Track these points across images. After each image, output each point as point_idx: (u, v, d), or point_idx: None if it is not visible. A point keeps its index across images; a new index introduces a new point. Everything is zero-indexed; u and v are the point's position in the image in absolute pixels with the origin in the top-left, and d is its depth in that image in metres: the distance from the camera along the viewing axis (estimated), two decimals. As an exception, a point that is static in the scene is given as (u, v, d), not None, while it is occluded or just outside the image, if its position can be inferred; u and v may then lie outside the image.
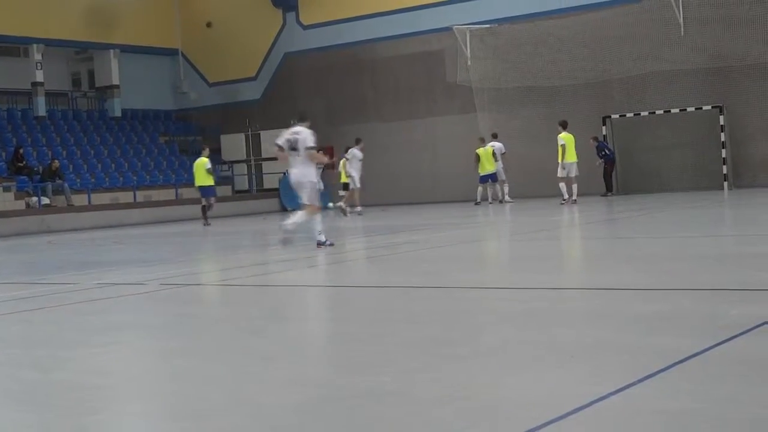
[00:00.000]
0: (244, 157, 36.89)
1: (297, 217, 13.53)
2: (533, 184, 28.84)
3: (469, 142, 30.66)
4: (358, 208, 25.75)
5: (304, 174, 13.48)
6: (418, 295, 8.29)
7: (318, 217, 13.56)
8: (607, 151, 27.44)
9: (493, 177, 27.35)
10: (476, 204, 27.24)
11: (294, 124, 13.79)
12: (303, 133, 13.50)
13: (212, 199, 25.31)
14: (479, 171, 27.35)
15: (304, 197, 13.55)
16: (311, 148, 13.42)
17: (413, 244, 14.19)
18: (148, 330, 7.31)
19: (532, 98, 29.26)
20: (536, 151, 28.70)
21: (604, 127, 28.69)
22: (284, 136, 13.62)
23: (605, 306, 7.03)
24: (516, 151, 28.61)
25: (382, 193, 32.14)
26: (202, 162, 25.00)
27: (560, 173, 24.50)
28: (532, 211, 22.18)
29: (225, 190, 35.26)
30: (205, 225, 24.41)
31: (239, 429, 4.10)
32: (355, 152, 26.21)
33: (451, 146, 31.82)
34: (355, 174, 25.92)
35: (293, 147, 13.45)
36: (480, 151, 27.29)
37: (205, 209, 25.11)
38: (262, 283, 10.30)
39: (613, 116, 28.73)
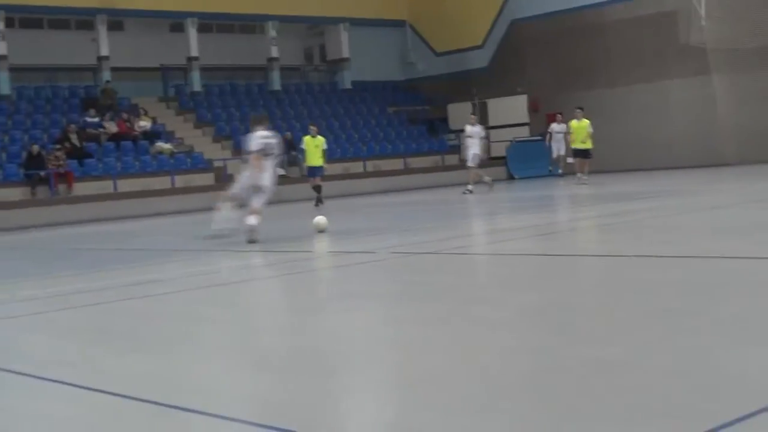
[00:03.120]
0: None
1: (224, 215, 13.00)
2: (767, 147, 27.44)
3: (704, 106, 29.51)
4: (470, 187, 24.24)
5: (271, 179, 12.95)
6: (652, 265, 8.07)
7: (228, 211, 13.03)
8: None
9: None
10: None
11: (256, 130, 13.20)
12: (276, 138, 13.13)
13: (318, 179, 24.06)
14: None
15: (260, 200, 12.86)
16: (252, 152, 12.86)
17: (649, 212, 13.80)
18: (379, 298, 7.48)
19: (772, 59, 27.68)
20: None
21: None
22: (257, 142, 12.97)
23: None
24: (756, 115, 27.22)
25: (610, 160, 31.37)
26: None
27: None
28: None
29: (453, 159, 35.48)
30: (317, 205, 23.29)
31: (467, 396, 4.15)
32: (472, 129, 25.00)
33: (684, 111, 30.66)
34: (471, 151, 24.73)
35: (267, 153, 12.94)
36: (574, 124, 25.28)
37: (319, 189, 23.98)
38: (490, 251, 10.33)
39: None
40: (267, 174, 12.96)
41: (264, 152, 12.96)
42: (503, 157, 34.32)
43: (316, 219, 13.70)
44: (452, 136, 36.73)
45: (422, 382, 4.49)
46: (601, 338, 5.08)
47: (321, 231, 13.40)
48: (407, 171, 33.04)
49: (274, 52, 35.89)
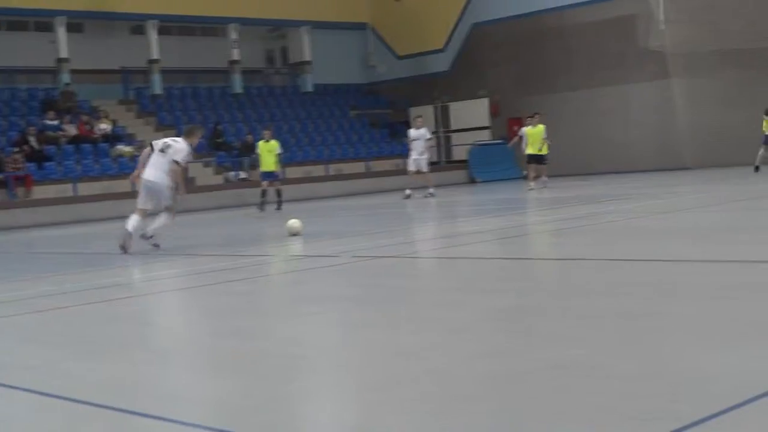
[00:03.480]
0: (433, 129, 37.03)
1: (160, 220, 13.05)
2: (725, 151, 27.73)
3: (663, 110, 29.84)
4: (431, 190, 24.13)
5: (162, 179, 12.89)
6: (613, 268, 8.14)
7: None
8: None
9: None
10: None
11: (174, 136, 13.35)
12: (179, 145, 13.04)
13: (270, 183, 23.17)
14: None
15: (162, 202, 12.95)
16: (177, 163, 12.89)
17: (608, 215, 13.91)
18: (341, 302, 7.48)
19: (730, 62, 28.00)
20: (732, 117, 27.53)
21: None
22: (161, 140, 13.23)
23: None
24: (712, 118, 27.56)
25: (570, 163, 31.63)
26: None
27: None
28: (729, 179, 21.31)
29: (414, 162, 35.59)
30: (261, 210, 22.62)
31: (428, 398, 4.16)
32: (417, 132, 24.70)
33: (644, 114, 30.95)
34: (413, 155, 24.58)
35: (162, 150, 12.92)
36: (530, 130, 24.53)
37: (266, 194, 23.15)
38: (451, 255, 10.36)
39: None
40: (156, 173, 12.88)
41: (159, 149, 12.99)
42: (465, 161, 34.46)
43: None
44: (414, 139, 36.77)
45: (383, 385, 4.49)
46: (563, 341, 5.10)
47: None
48: (369, 174, 33.06)
49: (236, 54, 35.76)
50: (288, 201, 24.31)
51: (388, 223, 16.71)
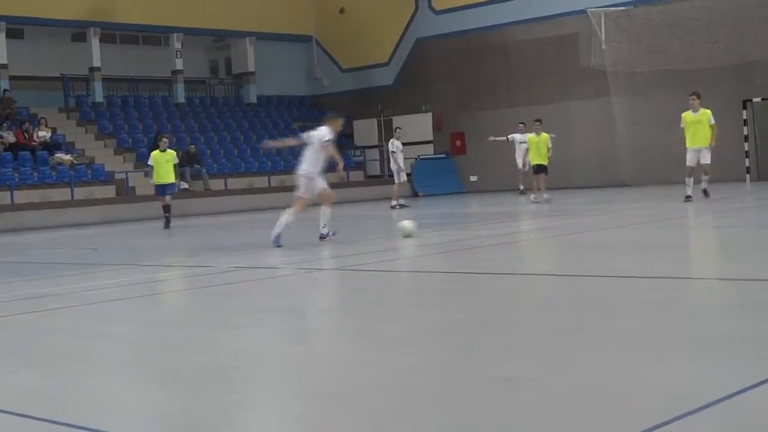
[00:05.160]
0: (377, 143, 37.16)
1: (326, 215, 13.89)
2: (664, 169, 28.22)
3: (604, 127, 30.25)
4: (395, 201, 24.15)
5: (311, 170, 13.83)
6: (548, 283, 8.21)
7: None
8: None
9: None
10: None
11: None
12: (320, 131, 13.97)
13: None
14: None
15: (315, 191, 13.95)
16: (327, 142, 13.85)
17: (545, 231, 14.04)
18: (282, 313, 7.45)
19: (668, 82, 28.49)
20: (671, 137, 27.97)
21: (744, 111, 27.78)
22: (304, 134, 14.34)
23: (742, 297, 6.83)
24: (651, 137, 28.00)
25: (511, 179, 31.94)
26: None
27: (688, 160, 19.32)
28: (665, 197, 21.62)
29: (357, 175, 35.63)
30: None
31: (372, 412, 4.16)
32: (394, 143, 24.64)
33: (584, 132, 31.34)
34: (395, 166, 24.50)
35: (308, 142, 13.86)
36: (533, 138, 22.90)
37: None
38: (393, 268, 10.37)
39: (754, 100, 27.76)
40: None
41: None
42: (408, 174, 34.56)
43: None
44: (357, 152, 36.88)
45: (324, 399, 4.48)
46: (501, 355, 5.14)
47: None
48: (312, 186, 32.97)
49: (179, 64, 35.54)
50: (231, 212, 24.14)
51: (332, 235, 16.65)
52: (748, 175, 27.59)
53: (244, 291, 9.03)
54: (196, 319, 7.46)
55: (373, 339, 5.96)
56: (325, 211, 13.97)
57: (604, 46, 29.82)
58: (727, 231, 13.16)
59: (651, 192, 24.19)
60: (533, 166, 22.81)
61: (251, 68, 37.69)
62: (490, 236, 13.97)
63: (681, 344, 5.15)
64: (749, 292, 6.95)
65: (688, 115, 19.10)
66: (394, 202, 24.25)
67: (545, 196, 22.09)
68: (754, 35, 27.02)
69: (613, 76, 29.59)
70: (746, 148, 27.89)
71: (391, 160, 24.97)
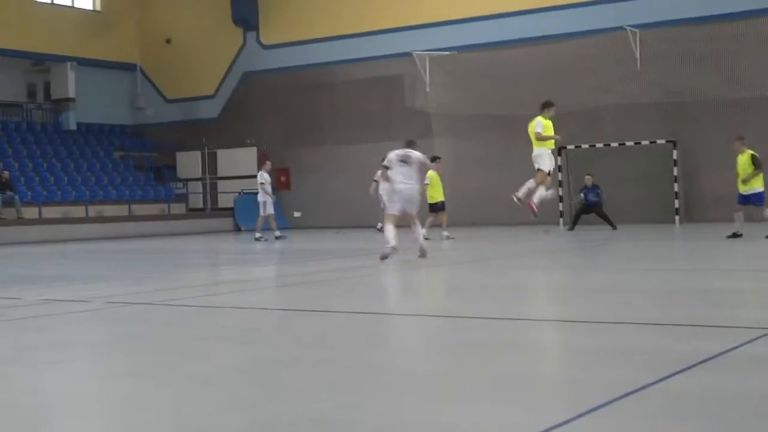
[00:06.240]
0: (200, 175, 36.70)
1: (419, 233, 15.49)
2: (484, 210, 29.03)
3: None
4: (259, 234, 24.57)
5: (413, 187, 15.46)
6: (356, 321, 8.22)
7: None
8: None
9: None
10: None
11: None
12: (415, 153, 15.37)
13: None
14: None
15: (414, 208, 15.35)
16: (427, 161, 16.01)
17: (366, 269, 14.12)
18: (88, 349, 7.17)
19: (490, 126, 29.37)
20: (491, 179, 28.83)
21: (559, 158, 28.86)
22: (392, 154, 15.57)
23: (548, 338, 7.02)
24: (472, 178, 28.77)
25: (335, 217, 32.14)
26: None
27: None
28: (483, 240, 22.17)
29: (179, 208, 35.05)
30: None
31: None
32: (263, 175, 25.22)
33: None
34: (262, 199, 24.97)
35: (404, 161, 15.20)
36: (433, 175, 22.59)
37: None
38: (206, 304, 10.19)
39: (568, 147, 28.89)
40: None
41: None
42: (230, 208, 34.27)
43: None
44: (180, 184, 36.29)
45: (123, 439, 4.30)
46: (310, 394, 5.07)
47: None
48: (132, 218, 32.26)
49: (-7, 86, 34.14)
50: (45, 242, 23.26)
51: (148, 268, 16.28)
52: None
53: (48, 325, 8.64)
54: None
55: (181, 376, 5.78)
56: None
57: (428, 89, 30.50)
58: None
59: (473, 232, 24.71)
60: (432, 204, 22.40)
61: (71, 94, 36.51)
62: (299, 274, 13.95)
63: (486, 385, 5.21)
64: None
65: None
66: (258, 234, 24.46)
67: (445, 233, 22.02)
68: (568, 85, 28.07)
69: (436, 117, 30.25)
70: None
71: (260, 191, 24.99)
